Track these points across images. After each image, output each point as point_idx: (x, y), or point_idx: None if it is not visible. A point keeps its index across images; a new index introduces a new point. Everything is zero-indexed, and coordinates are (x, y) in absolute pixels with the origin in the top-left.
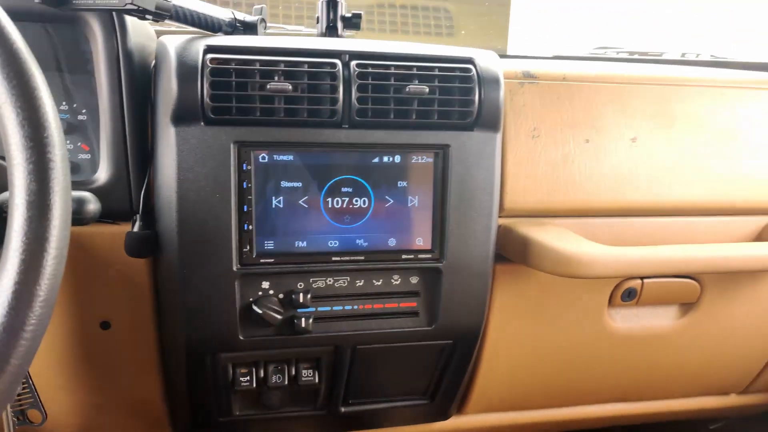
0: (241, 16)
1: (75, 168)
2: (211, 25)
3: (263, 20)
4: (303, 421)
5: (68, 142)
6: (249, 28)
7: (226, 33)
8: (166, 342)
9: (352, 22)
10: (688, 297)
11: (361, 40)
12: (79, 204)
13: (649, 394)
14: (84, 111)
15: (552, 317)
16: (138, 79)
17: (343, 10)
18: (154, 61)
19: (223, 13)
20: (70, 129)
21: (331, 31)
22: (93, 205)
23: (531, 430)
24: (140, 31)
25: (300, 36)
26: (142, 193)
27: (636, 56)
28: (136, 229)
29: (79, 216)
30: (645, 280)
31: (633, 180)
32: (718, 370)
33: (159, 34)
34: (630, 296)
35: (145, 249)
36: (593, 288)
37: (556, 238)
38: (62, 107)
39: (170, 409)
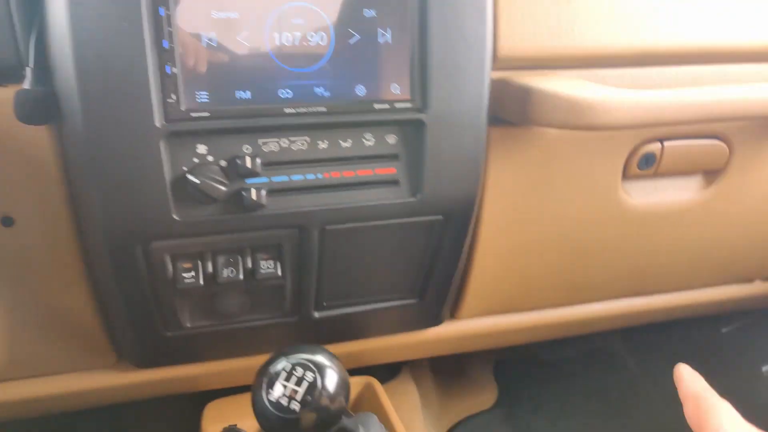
0: None
1: None
2: None
3: None
4: (269, 332)
5: None
6: None
7: None
8: (86, 236)
9: None
10: (715, 162)
11: None
12: None
13: (665, 285)
14: None
15: (557, 191)
16: None
17: None
18: None
19: None
20: None
21: None
22: None
23: (531, 335)
24: None
25: None
26: (32, 38)
27: None
28: (27, 85)
29: None
30: (665, 143)
31: (653, 19)
32: (744, 251)
33: None
34: (648, 163)
35: (41, 112)
36: (606, 152)
37: (563, 85)
38: None
39: (108, 327)
